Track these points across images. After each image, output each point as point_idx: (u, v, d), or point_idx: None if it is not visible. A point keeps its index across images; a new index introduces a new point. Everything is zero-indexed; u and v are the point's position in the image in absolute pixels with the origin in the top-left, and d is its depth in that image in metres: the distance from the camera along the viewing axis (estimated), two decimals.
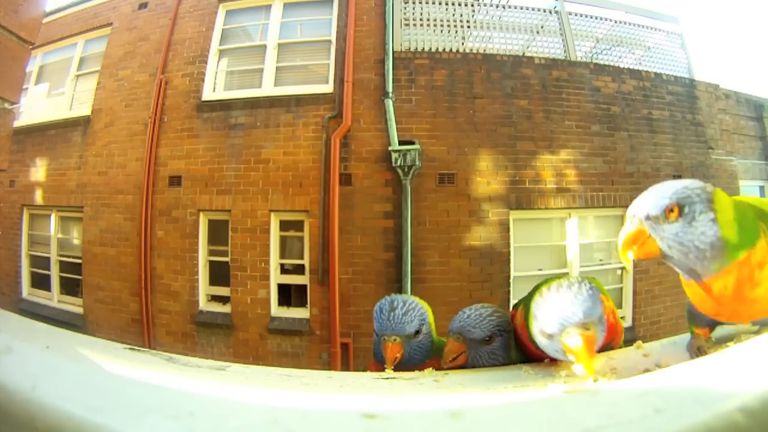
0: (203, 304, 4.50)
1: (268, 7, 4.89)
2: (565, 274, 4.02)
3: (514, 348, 1.04)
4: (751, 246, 0.71)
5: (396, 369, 1.03)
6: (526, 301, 0.99)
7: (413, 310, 1.06)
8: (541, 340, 0.82)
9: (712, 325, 0.86)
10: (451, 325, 1.03)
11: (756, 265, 0.70)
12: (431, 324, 1.12)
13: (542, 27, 4.88)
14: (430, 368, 1.03)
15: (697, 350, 0.86)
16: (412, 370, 1.03)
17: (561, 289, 0.78)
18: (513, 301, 4.14)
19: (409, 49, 4.51)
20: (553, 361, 0.97)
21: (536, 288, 0.91)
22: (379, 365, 1.08)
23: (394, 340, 1.04)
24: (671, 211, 0.72)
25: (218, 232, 4.55)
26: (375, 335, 1.09)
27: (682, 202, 0.72)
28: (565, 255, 4.41)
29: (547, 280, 0.87)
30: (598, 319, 0.76)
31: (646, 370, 0.76)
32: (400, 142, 4.11)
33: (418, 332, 1.06)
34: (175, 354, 0.92)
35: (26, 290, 5.51)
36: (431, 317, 1.12)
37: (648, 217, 0.74)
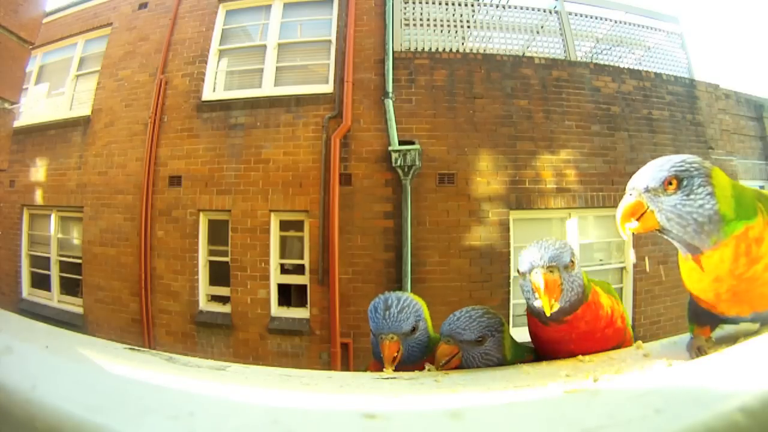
0: (203, 304, 4.50)
1: (268, 7, 4.89)
2: None
3: (510, 348, 1.04)
4: (748, 221, 0.71)
5: (397, 368, 1.02)
6: None
7: (408, 307, 1.06)
8: (522, 285, 0.95)
9: (713, 324, 0.86)
10: (441, 328, 1.04)
11: (753, 240, 0.71)
12: (427, 320, 1.11)
13: (542, 27, 4.88)
14: (430, 366, 1.03)
15: (697, 350, 0.86)
16: (413, 369, 1.03)
17: (539, 240, 0.93)
18: (513, 302, 4.14)
19: (409, 49, 4.51)
20: (554, 361, 0.98)
21: None
22: (379, 364, 1.08)
23: (392, 338, 1.03)
24: (669, 183, 0.73)
25: (218, 232, 4.55)
26: (372, 335, 1.08)
27: (680, 175, 0.73)
28: None
29: None
30: (563, 266, 0.89)
31: (646, 370, 0.76)
32: (400, 142, 4.11)
33: (414, 329, 1.06)
34: (175, 354, 0.92)
35: (26, 290, 5.51)
36: (427, 313, 1.12)
37: (647, 189, 0.74)
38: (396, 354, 1.03)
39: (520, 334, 1.14)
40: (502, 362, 1.02)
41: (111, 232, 4.83)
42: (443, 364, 1.00)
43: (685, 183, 0.73)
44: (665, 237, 0.77)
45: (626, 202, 0.77)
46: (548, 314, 0.87)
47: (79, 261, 5.06)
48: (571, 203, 4.35)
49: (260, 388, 0.74)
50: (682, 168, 0.73)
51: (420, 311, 1.09)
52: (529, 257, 0.91)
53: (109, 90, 5.16)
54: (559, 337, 0.94)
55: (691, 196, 0.72)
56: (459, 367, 1.02)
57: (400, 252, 4.02)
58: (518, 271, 0.95)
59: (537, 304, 0.89)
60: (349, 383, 0.84)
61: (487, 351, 1.02)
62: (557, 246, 0.91)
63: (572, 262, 0.91)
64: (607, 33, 5.11)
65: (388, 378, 0.92)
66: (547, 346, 1.00)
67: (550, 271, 0.88)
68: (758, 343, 0.68)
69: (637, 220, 0.76)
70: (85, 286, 4.96)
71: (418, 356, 1.06)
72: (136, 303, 4.58)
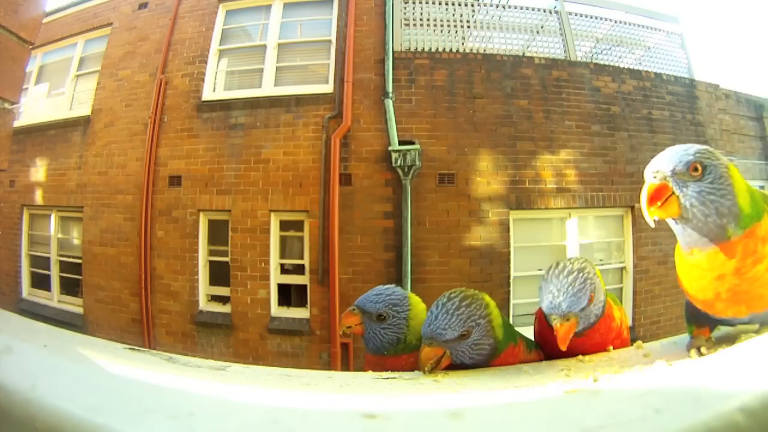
0: (203, 304, 4.50)
1: (268, 7, 4.89)
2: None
3: (500, 327, 0.99)
4: (758, 220, 0.71)
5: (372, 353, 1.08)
6: None
7: (383, 293, 1.10)
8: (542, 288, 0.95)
9: (712, 324, 0.86)
10: (422, 330, 0.97)
11: (760, 239, 0.70)
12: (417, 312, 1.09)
13: (542, 27, 4.88)
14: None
15: (696, 350, 0.85)
16: (379, 357, 1.07)
17: (556, 271, 0.91)
18: (513, 302, 4.14)
19: (409, 49, 4.51)
20: (553, 361, 0.98)
21: None
22: (372, 356, 1.10)
23: (353, 309, 1.09)
24: (695, 169, 0.71)
25: (218, 232, 4.55)
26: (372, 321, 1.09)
27: (705, 162, 0.71)
28: (565, 255, 4.41)
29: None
30: (579, 310, 0.89)
31: (646, 370, 0.76)
32: (400, 142, 4.11)
33: (381, 316, 1.07)
34: (175, 354, 0.92)
35: (26, 290, 5.51)
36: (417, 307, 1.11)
37: (674, 173, 0.72)
38: (351, 325, 1.10)
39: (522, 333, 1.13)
40: (494, 347, 0.97)
41: (111, 232, 4.83)
42: (431, 368, 0.93)
43: (709, 171, 0.71)
44: (676, 227, 0.75)
45: (651, 183, 0.74)
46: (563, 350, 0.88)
47: (79, 261, 5.06)
48: (571, 203, 4.35)
49: (260, 388, 0.74)
50: (706, 156, 0.72)
51: (397, 301, 1.10)
52: (548, 298, 0.90)
53: (109, 90, 5.16)
54: (572, 347, 0.94)
55: (715, 184, 0.71)
56: (452, 365, 0.96)
57: (400, 252, 4.02)
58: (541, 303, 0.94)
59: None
60: (349, 383, 0.84)
61: (475, 341, 0.95)
62: (577, 286, 0.88)
63: (591, 297, 0.90)
64: (607, 33, 5.11)
65: (388, 378, 0.92)
66: (555, 349, 1.00)
67: (567, 320, 0.88)
68: (758, 343, 0.68)
69: (661, 205, 0.73)
70: (85, 286, 4.96)
71: (377, 346, 1.09)
72: (136, 303, 4.58)
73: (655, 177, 0.74)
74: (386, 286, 1.12)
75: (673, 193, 0.72)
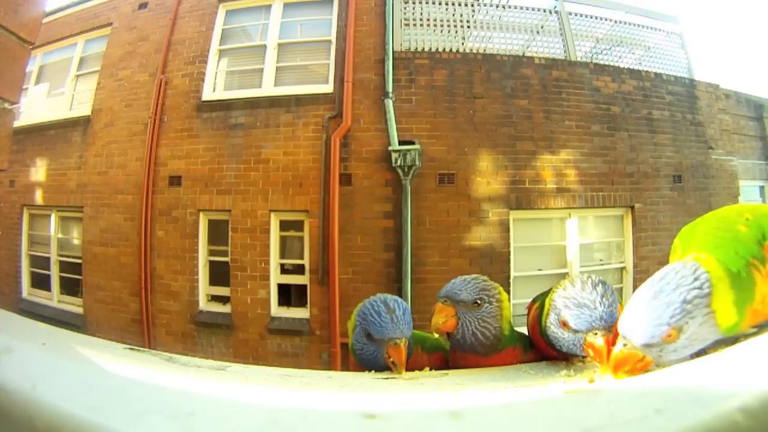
0: (203, 304, 4.50)
1: (268, 7, 4.89)
2: (566, 274, 4.03)
3: (508, 323, 1.02)
4: (751, 303, 0.66)
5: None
6: (541, 299, 1.00)
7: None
8: (561, 333, 0.86)
9: None
10: (438, 293, 1.02)
11: (760, 302, 0.67)
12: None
13: (542, 27, 4.88)
14: (427, 367, 1.03)
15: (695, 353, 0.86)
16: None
17: (587, 287, 0.83)
18: (513, 301, 4.13)
19: (409, 49, 4.51)
20: (553, 361, 0.98)
21: (554, 287, 0.93)
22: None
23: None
24: (669, 336, 0.65)
25: (218, 232, 4.55)
26: (364, 342, 1.00)
27: (680, 324, 0.64)
28: (565, 255, 4.41)
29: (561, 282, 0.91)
30: (616, 320, 0.80)
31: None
32: (400, 142, 4.12)
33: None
34: (175, 354, 0.92)
35: (26, 290, 5.51)
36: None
37: (644, 345, 0.66)
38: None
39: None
40: (498, 337, 0.99)
41: (111, 232, 4.83)
42: (441, 324, 0.97)
43: (686, 327, 0.64)
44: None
45: (619, 350, 0.68)
46: (606, 374, 0.76)
47: (79, 261, 5.06)
48: (571, 203, 4.35)
49: (260, 388, 0.74)
50: (682, 315, 0.64)
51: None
52: (587, 314, 0.81)
53: (109, 90, 5.16)
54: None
55: (698, 330, 0.65)
56: (454, 333, 0.98)
57: (400, 252, 4.02)
58: (565, 324, 0.85)
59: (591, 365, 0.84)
60: (349, 383, 0.84)
61: (483, 317, 0.98)
62: (610, 297, 0.81)
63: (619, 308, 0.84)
64: (607, 33, 5.11)
65: (388, 378, 0.92)
66: (551, 349, 0.99)
67: (609, 331, 0.79)
68: (758, 343, 0.68)
69: (632, 367, 0.68)
70: (85, 286, 4.96)
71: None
72: (136, 303, 4.58)
73: (624, 345, 0.68)
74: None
75: (644, 356, 0.67)
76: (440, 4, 4.71)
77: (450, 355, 1.08)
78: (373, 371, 1.00)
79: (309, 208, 4.24)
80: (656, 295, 0.65)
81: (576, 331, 0.83)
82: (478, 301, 0.99)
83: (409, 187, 4.05)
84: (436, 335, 1.04)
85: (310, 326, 4.16)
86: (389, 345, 0.96)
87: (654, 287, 0.66)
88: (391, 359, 0.96)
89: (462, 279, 1.03)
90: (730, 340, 0.82)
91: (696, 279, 0.65)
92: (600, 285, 0.83)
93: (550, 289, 0.94)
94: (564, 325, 0.85)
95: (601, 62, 4.96)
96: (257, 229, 4.34)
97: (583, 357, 0.91)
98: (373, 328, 0.97)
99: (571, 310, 0.83)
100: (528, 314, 1.07)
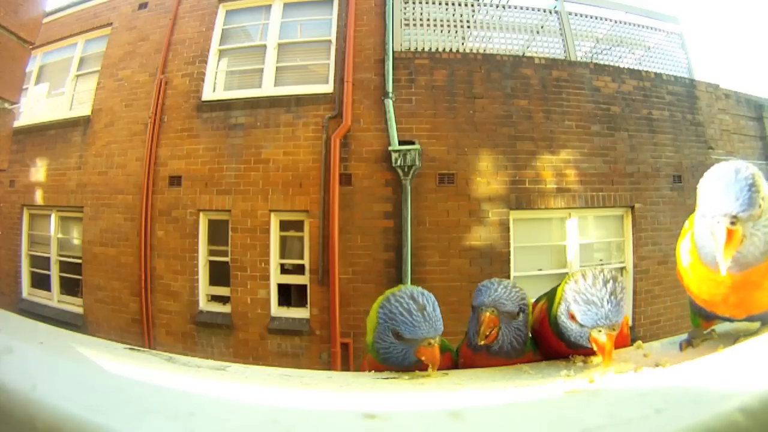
0: (203, 304, 4.50)
1: (268, 7, 4.89)
2: (567, 274, 4.02)
3: (530, 330, 1.03)
4: None
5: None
6: (549, 296, 1.01)
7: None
8: (570, 324, 0.88)
9: (713, 318, 0.87)
10: (479, 299, 0.99)
11: None
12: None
13: (542, 27, 4.88)
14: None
15: (686, 343, 0.87)
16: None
17: (597, 282, 0.84)
18: None
19: (409, 49, 4.51)
20: (554, 361, 0.98)
21: (567, 277, 0.93)
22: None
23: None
24: (760, 206, 0.68)
25: (218, 232, 4.55)
26: (391, 341, 0.95)
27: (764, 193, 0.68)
28: (565, 255, 4.41)
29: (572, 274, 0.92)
30: (622, 319, 0.84)
31: (646, 370, 0.76)
32: (400, 142, 4.11)
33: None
34: (175, 354, 0.92)
35: (26, 290, 5.51)
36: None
37: (750, 217, 0.68)
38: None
39: None
40: (523, 345, 1.00)
41: (111, 232, 4.83)
42: (486, 336, 0.96)
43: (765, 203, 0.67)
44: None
45: (726, 231, 0.68)
46: (607, 369, 0.79)
47: (79, 261, 5.06)
48: (571, 203, 4.35)
49: (260, 388, 0.74)
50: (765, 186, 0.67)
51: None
52: (593, 312, 0.83)
53: (109, 90, 5.16)
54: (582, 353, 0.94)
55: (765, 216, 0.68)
56: (493, 344, 0.98)
57: (400, 252, 4.02)
58: (573, 317, 0.87)
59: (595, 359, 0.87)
60: (349, 383, 0.84)
61: (519, 326, 0.99)
62: (618, 296, 0.83)
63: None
64: (607, 33, 5.11)
65: (388, 378, 0.92)
66: (553, 348, 1.00)
67: (613, 329, 0.83)
68: (758, 343, 0.68)
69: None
70: (85, 286, 4.96)
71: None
72: (136, 303, 4.58)
73: (732, 223, 0.68)
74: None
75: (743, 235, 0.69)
76: (440, 4, 4.71)
77: (464, 355, 1.08)
78: (387, 371, 0.97)
79: (309, 208, 4.24)
80: (732, 177, 0.70)
81: (582, 326, 0.86)
82: (520, 312, 0.99)
83: (409, 187, 4.05)
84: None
85: (310, 326, 4.16)
86: (421, 345, 0.91)
87: (722, 179, 0.71)
88: (423, 357, 0.91)
89: (502, 287, 0.99)
90: (731, 338, 0.82)
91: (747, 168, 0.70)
92: (611, 282, 0.84)
93: (560, 283, 0.95)
94: (572, 317, 0.87)
95: (601, 62, 4.96)
96: (257, 229, 4.33)
97: (589, 349, 0.91)
98: (405, 327, 0.91)
99: (579, 305, 0.85)
100: (531, 312, 1.08)
